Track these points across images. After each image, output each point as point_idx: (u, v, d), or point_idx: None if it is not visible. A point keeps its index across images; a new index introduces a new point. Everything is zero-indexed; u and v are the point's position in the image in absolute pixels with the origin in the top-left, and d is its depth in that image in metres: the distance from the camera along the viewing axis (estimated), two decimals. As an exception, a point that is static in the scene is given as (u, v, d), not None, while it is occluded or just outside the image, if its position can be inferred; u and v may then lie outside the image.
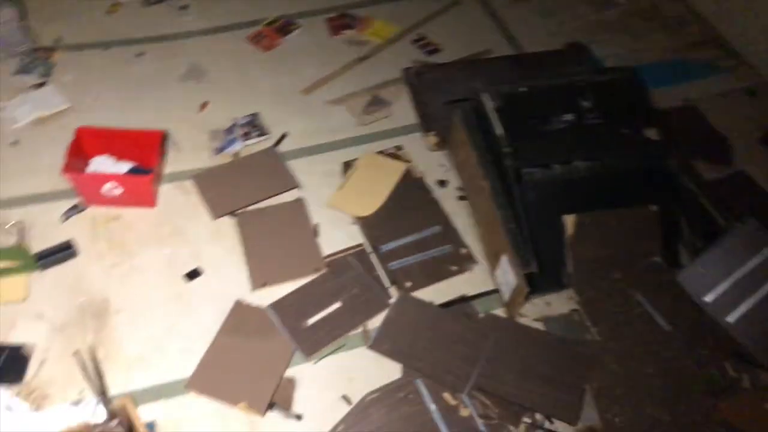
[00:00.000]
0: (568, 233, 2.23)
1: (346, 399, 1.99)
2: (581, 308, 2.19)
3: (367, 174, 2.55)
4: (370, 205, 2.45)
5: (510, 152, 2.24)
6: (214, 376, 2.01)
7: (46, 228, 2.34)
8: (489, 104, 2.35)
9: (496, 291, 2.24)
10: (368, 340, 2.11)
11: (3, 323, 2.08)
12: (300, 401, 1.99)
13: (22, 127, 2.64)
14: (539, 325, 2.17)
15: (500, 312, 2.19)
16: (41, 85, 2.80)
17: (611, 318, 2.15)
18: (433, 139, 2.66)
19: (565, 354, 2.08)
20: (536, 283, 2.08)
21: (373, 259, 2.33)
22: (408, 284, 2.24)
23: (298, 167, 2.59)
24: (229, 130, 2.71)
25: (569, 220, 2.23)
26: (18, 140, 2.60)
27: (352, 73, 2.98)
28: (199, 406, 1.97)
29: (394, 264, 2.30)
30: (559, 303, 2.23)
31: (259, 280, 2.25)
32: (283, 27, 3.16)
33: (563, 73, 2.66)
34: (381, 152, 2.64)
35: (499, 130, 2.28)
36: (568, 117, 2.41)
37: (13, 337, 2.05)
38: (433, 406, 1.96)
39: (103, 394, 1.79)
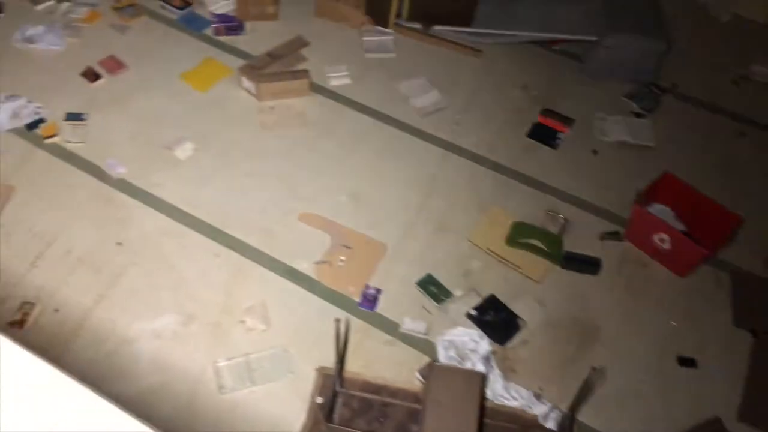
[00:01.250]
0: None
1: None
2: None
3: None
4: None
5: None
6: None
7: (582, 236, 2.46)
8: None
9: None
10: None
11: (513, 292, 2.28)
12: None
13: (609, 142, 2.81)
14: None
15: None
16: (639, 115, 2.93)
17: None
18: None
19: None
20: None
21: None
22: None
23: None
24: None
25: None
26: (599, 151, 2.78)
27: None
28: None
29: None
30: None
31: (750, 415, 1.99)
32: None
33: None
34: None
35: None
36: None
37: (515, 306, 2.24)
38: None
39: (572, 413, 1.82)
